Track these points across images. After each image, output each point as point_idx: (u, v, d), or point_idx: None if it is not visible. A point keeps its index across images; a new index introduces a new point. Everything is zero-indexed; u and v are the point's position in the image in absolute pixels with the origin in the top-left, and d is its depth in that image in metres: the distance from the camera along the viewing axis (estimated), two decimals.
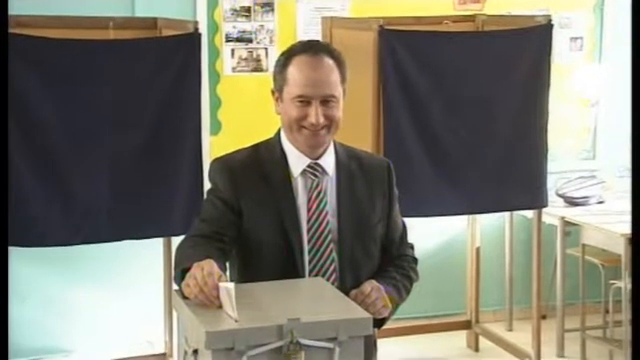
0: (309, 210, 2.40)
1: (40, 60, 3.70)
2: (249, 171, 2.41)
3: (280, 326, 1.95)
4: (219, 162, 2.46)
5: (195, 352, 2.02)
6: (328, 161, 2.45)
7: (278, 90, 2.42)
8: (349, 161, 2.49)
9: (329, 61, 2.37)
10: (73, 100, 3.74)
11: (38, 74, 3.69)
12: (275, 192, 2.40)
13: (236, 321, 1.97)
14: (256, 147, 2.49)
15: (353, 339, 2.01)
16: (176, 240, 3.48)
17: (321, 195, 2.42)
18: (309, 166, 2.42)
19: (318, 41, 2.56)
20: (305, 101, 2.35)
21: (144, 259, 4.52)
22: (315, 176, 2.42)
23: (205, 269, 2.09)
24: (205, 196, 2.50)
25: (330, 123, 2.38)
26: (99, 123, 3.77)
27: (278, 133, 2.48)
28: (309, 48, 2.39)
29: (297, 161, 2.42)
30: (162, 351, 4.38)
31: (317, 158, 2.43)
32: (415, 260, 2.62)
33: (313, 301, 2.20)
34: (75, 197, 3.78)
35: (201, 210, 2.46)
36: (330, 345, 1.98)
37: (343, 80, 2.40)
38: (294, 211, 2.40)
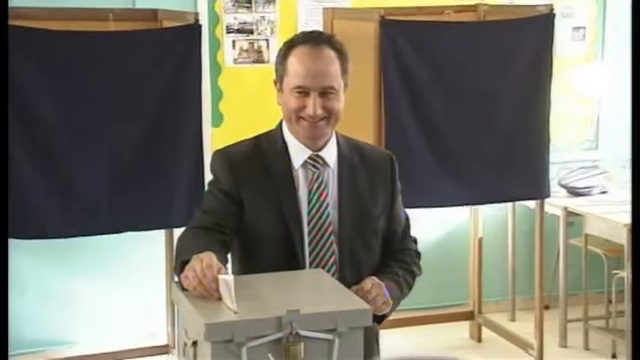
0: (310, 202, 2.40)
1: (39, 52, 3.69)
2: (250, 162, 2.41)
3: (279, 318, 1.95)
4: (220, 154, 2.46)
5: (194, 344, 2.02)
6: (329, 153, 2.44)
7: (279, 80, 2.42)
8: (351, 153, 2.48)
9: (330, 52, 2.36)
10: (73, 92, 3.73)
11: (37, 66, 3.68)
12: (276, 183, 2.40)
13: (235, 313, 1.96)
14: (257, 138, 2.48)
15: (353, 330, 2.00)
16: (177, 232, 3.48)
17: (322, 187, 2.41)
18: (310, 158, 2.42)
19: (320, 32, 2.55)
20: (303, 92, 2.34)
21: (146, 251, 4.52)
22: (316, 168, 2.42)
23: (204, 261, 2.08)
24: (206, 188, 2.50)
25: (329, 115, 2.36)
26: (99, 115, 3.76)
27: (280, 124, 2.47)
28: (310, 39, 2.38)
29: (298, 153, 2.42)
30: (164, 342, 4.39)
31: (318, 150, 2.42)
32: (418, 254, 2.62)
33: (312, 292, 2.19)
34: (75, 189, 3.77)
35: (202, 202, 2.46)
36: (329, 336, 1.98)
37: (344, 72, 2.39)
38: (295, 203, 2.39)
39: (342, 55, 2.39)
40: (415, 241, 2.64)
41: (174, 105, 3.84)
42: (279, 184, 2.40)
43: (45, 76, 3.68)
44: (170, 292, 4.18)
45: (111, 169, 3.80)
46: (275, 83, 2.44)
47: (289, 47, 2.39)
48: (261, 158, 2.42)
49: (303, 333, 1.95)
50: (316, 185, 2.41)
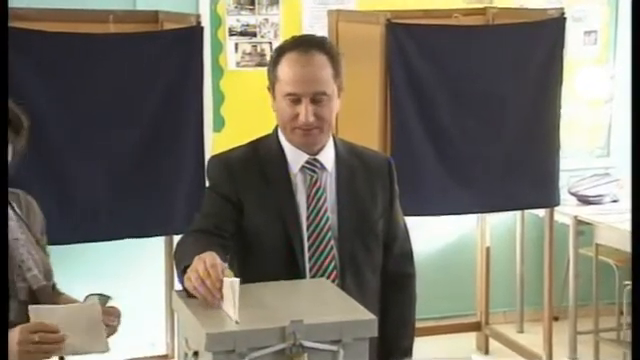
0: (308, 207, 2.41)
1: (38, 55, 3.65)
2: (248, 168, 2.43)
3: (282, 328, 1.93)
4: (217, 159, 2.48)
5: (195, 354, 2.00)
6: (327, 157, 2.45)
7: (272, 87, 2.42)
8: (349, 157, 2.50)
9: (320, 57, 2.36)
10: (71, 96, 3.69)
11: (36, 69, 3.63)
12: (274, 189, 2.41)
13: (237, 322, 1.94)
14: (254, 144, 2.50)
15: (358, 341, 1.98)
16: (177, 239, 3.38)
17: (320, 191, 2.42)
18: (307, 162, 2.43)
19: (311, 36, 2.54)
20: (295, 99, 2.34)
21: (145, 258, 4.49)
22: (314, 172, 2.43)
23: (207, 261, 2.06)
24: (205, 193, 2.50)
25: (321, 122, 2.37)
26: (98, 119, 3.73)
27: (276, 129, 2.48)
28: (300, 44, 2.39)
29: (295, 157, 2.43)
30: (164, 352, 4.35)
31: (315, 154, 2.43)
32: (411, 255, 2.62)
33: (316, 302, 2.18)
34: (74, 195, 3.73)
35: (201, 206, 2.46)
36: (334, 347, 1.96)
37: (337, 75, 2.39)
38: (294, 208, 2.40)
39: (334, 59, 2.39)
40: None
41: (175, 109, 3.82)
42: (277, 189, 2.41)
43: (43, 79, 3.65)
44: (170, 300, 4.14)
45: (110, 174, 3.77)
46: (269, 89, 2.45)
47: (279, 53, 2.40)
48: (259, 163, 2.44)
49: (307, 344, 1.93)
50: (314, 189, 2.42)
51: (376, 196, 2.48)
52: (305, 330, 1.92)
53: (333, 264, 2.39)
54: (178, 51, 3.79)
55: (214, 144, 4.49)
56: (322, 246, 2.39)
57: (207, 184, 2.48)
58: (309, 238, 2.38)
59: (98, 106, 3.71)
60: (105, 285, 4.58)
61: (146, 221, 3.84)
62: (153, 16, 3.99)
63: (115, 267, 4.59)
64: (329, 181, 2.44)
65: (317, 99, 2.34)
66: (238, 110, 4.75)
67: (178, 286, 2.20)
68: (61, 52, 3.66)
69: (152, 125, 3.80)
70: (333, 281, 2.36)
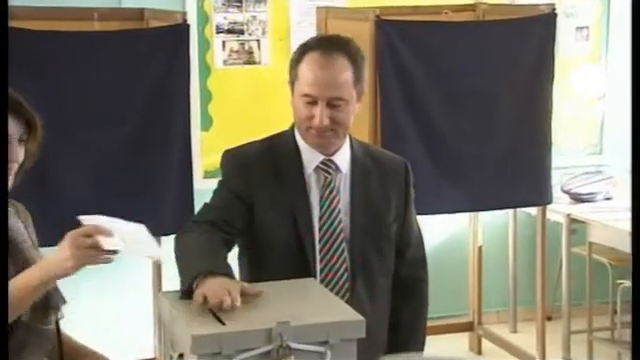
0: (321, 208, 2.40)
1: (22, 53, 3.54)
2: (262, 165, 2.41)
3: (269, 330, 1.91)
4: (231, 154, 2.46)
5: (181, 356, 1.98)
6: (342, 158, 2.43)
7: (291, 84, 2.40)
8: (365, 158, 2.48)
9: (342, 60, 2.33)
10: (55, 95, 3.63)
11: (19, 67, 3.51)
12: (288, 188, 2.39)
13: (224, 324, 1.92)
14: (270, 140, 2.48)
15: (345, 342, 1.96)
16: (165, 240, 3.31)
17: (334, 193, 2.41)
18: (322, 162, 2.41)
19: (336, 36, 2.51)
20: (312, 101, 2.32)
21: (133, 260, 4.39)
22: (328, 173, 2.41)
23: (232, 293, 2.00)
24: (216, 185, 2.47)
25: (337, 126, 2.34)
26: (83, 119, 3.69)
27: (292, 127, 2.45)
28: (323, 44, 2.37)
29: (310, 157, 2.41)
30: (151, 356, 4.28)
31: (331, 155, 2.41)
32: (424, 260, 2.64)
33: (304, 303, 2.16)
34: (59, 195, 3.69)
35: (210, 198, 2.45)
36: (321, 349, 1.94)
37: (358, 80, 2.36)
38: (307, 208, 2.39)
39: (356, 63, 2.36)
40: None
41: (161, 108, 3.78)
42: (291, 189, 2.39)
43: (26, 77, 3.52)
44: (157, 302, 4.10)
45: (96, 175, 3.73)
46: (290, 84, 2.44)
47: (302, 52, 2.37)
48: (273, 161, 2.42)
49: (294, 346, 1.91)
50: (328, 191, 2.40)
51: (390, 199, 2.47)
52: (292, 331, 1.90)
53: (344, 266, 2.38)
54: (164, 49, 3.75)
55: (202, 143, 4.48)
56: (334, 248, 2.37)
57: (201, 183, 2.46)
58: (321, 239, 2.38)
59: (83, 105, 3.67)
60: (92, 287, 4.57)
61: (133, 222, 3.79)
62: (138, 14, 3.95)
63: (101, 269, 4.52)
64: (343, 183, 2.42)
65: (334, 103, 2.31)
66: (226, 109, 4.69)
67: (166, 288, 2.16)
68: (45, 50, 3.62)
69: (138, 124, 3.76)
70: (344, 284, 2.36)
